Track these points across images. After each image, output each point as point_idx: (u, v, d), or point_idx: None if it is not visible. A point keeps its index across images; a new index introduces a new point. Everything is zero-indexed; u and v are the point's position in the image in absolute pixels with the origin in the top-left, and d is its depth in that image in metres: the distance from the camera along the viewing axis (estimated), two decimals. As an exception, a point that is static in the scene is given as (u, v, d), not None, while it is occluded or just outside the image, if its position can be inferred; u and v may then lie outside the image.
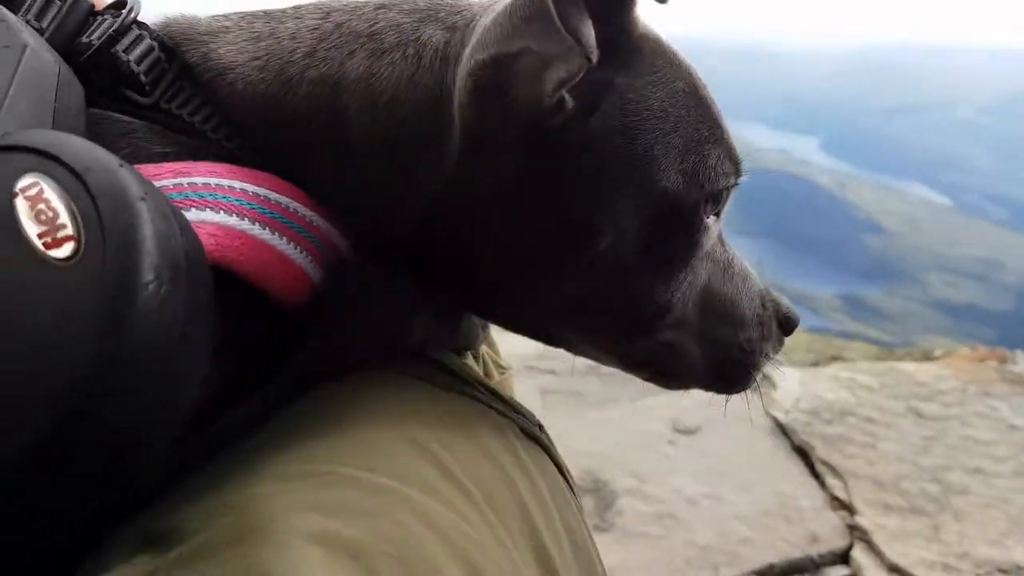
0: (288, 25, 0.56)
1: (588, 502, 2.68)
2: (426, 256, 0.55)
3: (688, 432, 3.03)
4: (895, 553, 2.30)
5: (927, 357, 6.87)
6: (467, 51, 0.50)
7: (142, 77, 0.51)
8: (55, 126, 0.44)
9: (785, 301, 0.70)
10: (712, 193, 0.57)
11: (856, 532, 2.44)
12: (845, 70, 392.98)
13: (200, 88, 0.53)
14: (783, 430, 3.02)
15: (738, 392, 0.68)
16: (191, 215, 0.44)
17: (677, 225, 0.55)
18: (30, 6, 0.51)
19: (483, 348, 0.73)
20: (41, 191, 0.36)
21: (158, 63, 0.53)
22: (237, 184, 0.48)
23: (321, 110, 0.52)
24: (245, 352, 0.48)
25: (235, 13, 0.59)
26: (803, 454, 2.86)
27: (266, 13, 0.59)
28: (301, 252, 0.49)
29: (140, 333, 0.35)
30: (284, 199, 0.49)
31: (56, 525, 0.36)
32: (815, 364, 3.96)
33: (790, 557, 2.34)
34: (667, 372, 0.64)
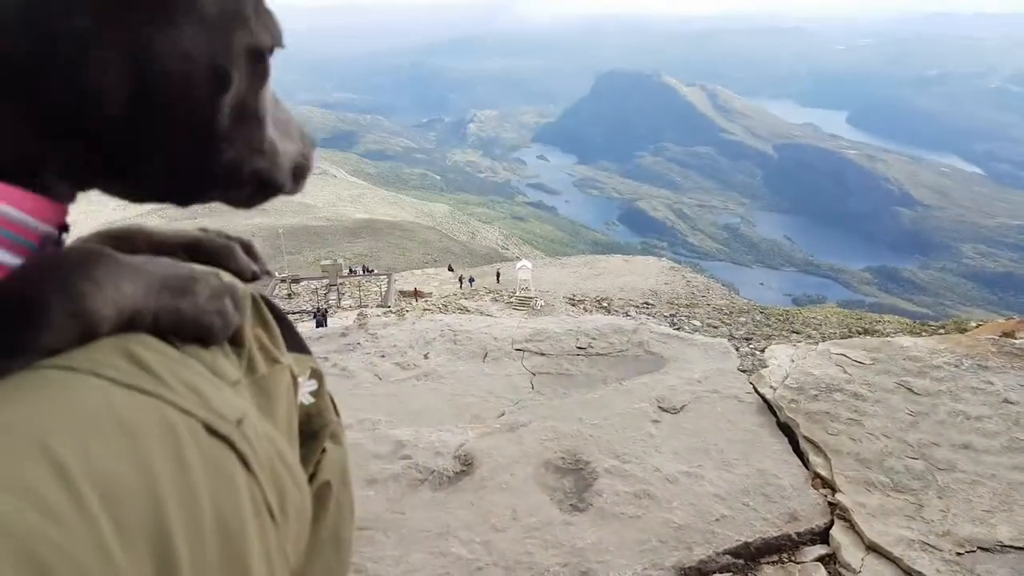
0: None
1: (568, 482, 2.67)
2: (94, 154, 0.57)
3: (673, 411, 3.00)
4: (875, 532, 2.26)
5: (961, 329, 6.73)
6: None
7: None
8: None
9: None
10: (278, 40, 0.66)
11: (836, 510, 2.41)
12: (871, 42, 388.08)
13: None
14: (769, 407, 2.98)
15: (300, 187, 0.77)
16: None
17: (262, 65, 0.64)
18: None
19: (254, 334, 0.76)
20: None
21: None
22: None
23: None
24: None
25: None
26: (787, 431, 2.82)
27: None
28: None
29: None
30: None
31: None
32: (845, 337, 3.92)
33: (767, 536, 2.31)
34: (271, 179, 0.71)
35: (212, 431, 0.56)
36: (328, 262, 41.30)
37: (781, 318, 16.53)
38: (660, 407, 3.02)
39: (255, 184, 0.71)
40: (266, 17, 0.65)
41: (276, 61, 0.68)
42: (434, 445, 2.93)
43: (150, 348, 0.58)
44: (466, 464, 2.82)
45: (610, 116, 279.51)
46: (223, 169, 0.66)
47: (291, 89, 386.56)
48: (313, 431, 0.91)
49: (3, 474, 0.40)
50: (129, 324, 0.58)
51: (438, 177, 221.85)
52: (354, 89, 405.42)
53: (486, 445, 2.88)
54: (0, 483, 0.39)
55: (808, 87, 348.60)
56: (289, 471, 0.67)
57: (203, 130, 0.60)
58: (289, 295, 36.74)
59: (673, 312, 18.66)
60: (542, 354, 3.75)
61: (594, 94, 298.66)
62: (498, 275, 38.19)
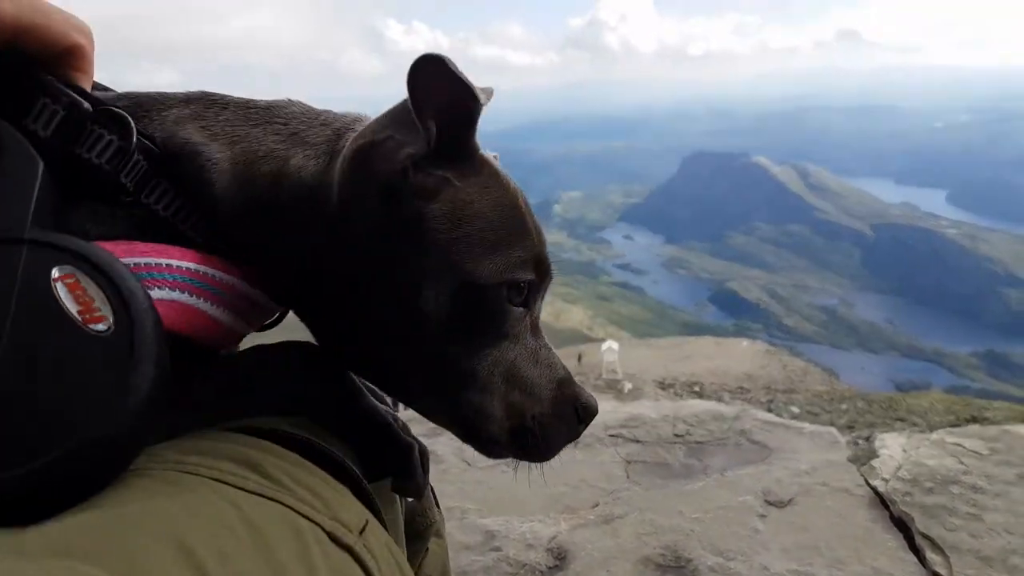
0: (257, 131, 0.73)
1: (668, 579, 2.56)
2: (310, 304, 0.74)
3: (779, 504, 2.87)
4: (1004, 638, 2.09)
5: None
6: (350, 143, 0.71)
7: (129, 187, 0.66)
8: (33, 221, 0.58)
9: (586, 394, 0.81)
10: (511, 282, 0.72)
11: (960, 614, 2.24)
12: (970, 120, 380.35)
13: (182, 185, 0.69)
14: (882, 500, 2.82)
15: (535, 460, 0.79)
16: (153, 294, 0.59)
17: (482, 306, 0.71)
18: (37, 114, 0.63)
19: None
20: (77, 280, 0.52)
21: (146, 175, 0.68)
22: (185, 264, 0.65)
23: (266, 196, 0.70)
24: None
25: (210, 110, 0.75)
26: (902, 526, 2.65)
27: (243, 110, 0.76)
28: (225, 312, 0.67)
29: (143, 389, 0.50)
30: (219, 274, 0.67)
31: None
32: (955, 425, 3.73)
33: (885, 642, 2.16)
34: (474, 431, 0.76)
35: (336, 541, 0.57)
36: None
37: (884, 405, 15.77)
38: (766, 500, 2.89)
39: (455, 424, 0.77)
40: (507, 260, 0.76)
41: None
42: (525, 536, 2.86)
43: (268, 452, 0.61)
44: (559, 558, 2.74)
45: (698, 196, 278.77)
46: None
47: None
48: (418, 531, 0.90)
49: (141, 569, 0.39)
50: None
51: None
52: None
53: (580, 538, 2.81)
54: None
55: (905, 165, 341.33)
56: None
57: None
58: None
59: (770, 398, 18.04)
60: (637, 441, 3.66)
61: (681, 174, 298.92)
62: (580, 357, 37.59)
